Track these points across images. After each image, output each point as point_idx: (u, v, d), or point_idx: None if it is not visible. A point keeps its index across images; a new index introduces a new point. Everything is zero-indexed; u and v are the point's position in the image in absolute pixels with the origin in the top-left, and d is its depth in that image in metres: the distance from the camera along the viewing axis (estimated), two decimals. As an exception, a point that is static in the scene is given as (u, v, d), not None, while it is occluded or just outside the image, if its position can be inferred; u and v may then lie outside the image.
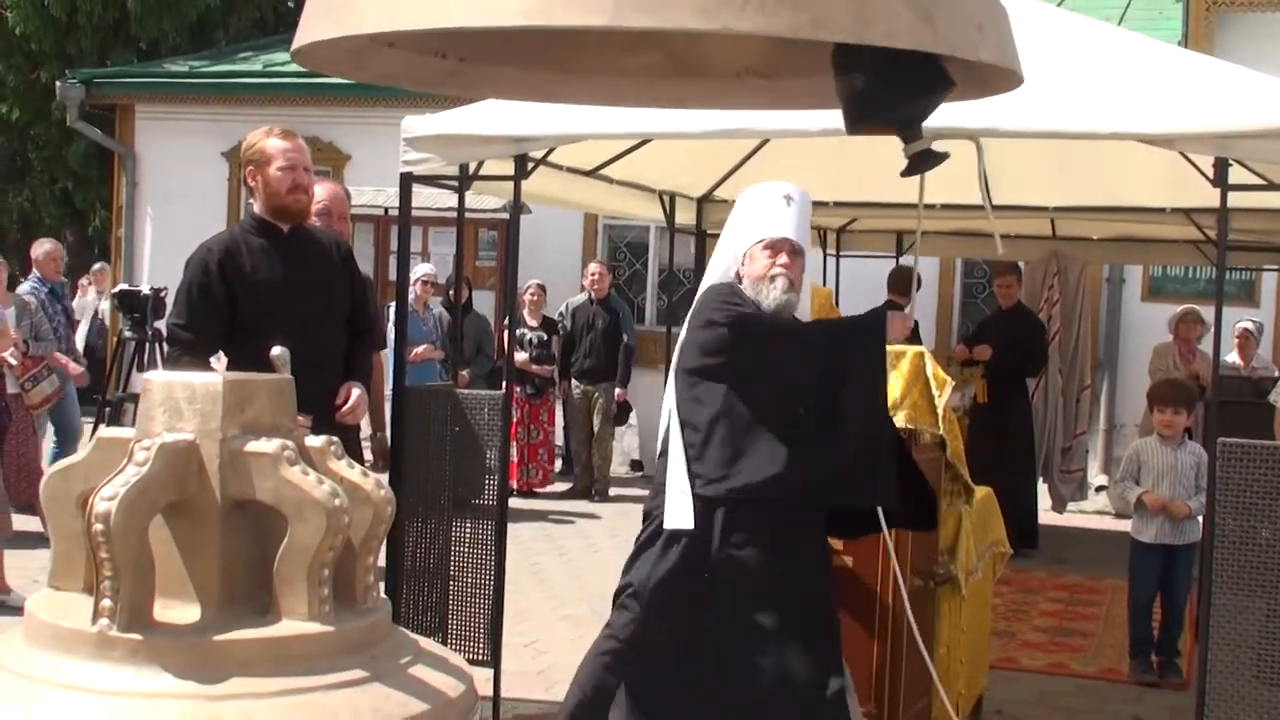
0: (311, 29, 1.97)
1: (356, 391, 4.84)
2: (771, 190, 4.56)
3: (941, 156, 2.85)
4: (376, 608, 2.53)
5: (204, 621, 2.38)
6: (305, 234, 5.00)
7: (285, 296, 4.82)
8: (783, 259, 4.39)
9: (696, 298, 4.61)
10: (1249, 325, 10.34)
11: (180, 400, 2.44)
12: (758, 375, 4.31)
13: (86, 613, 2.33)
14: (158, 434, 2.41)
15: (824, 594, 4.41)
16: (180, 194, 15.20)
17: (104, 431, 2.57)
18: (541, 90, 2.68)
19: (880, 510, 4.41)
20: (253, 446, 2.42)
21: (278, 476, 2.39)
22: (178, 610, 2.41)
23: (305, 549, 2.37)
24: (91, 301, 15.19)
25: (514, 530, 7.16)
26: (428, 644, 2.65)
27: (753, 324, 4.35)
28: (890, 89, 2.31)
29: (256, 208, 4.96)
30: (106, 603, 2.30)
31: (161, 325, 8.80)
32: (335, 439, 2.52)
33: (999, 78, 2.23)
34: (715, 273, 4.60)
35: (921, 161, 2.84)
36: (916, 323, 9.96)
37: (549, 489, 12.28)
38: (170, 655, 2.29)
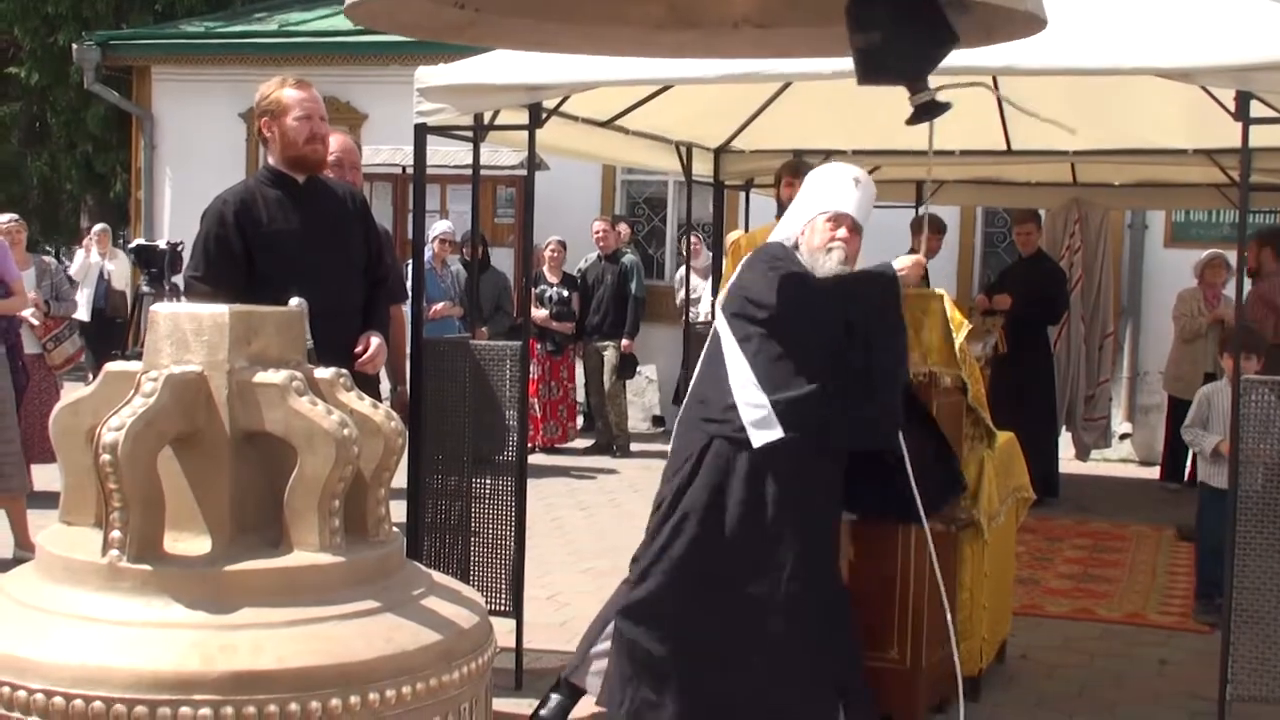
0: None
1: (376, 340, 4.82)
2: (842, 170, 4.81)
3: (945, 106, 2.91)
4: (389, 540, 2.53)
5: (214, 553, 2.38)
6: (320, 185, 4.98)
7: (302, 247, 4.79)
8: (842, 232, 4.59)
9: (747, 255, 4.83)
10: None
11: (187, 332, 2.43)
12: (792, 324, 4.49)
13: (97, 545, 2.33)
14: (165, 366, 2.40)
15: (832, 525, 4.65)
16: (198, 155, 15.18)
17: (112, 366, 2.56)
18: (551, 41, 2.70)
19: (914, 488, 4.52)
20: (261, 378, 2.41)
21: (286, 407, 2.38)
22: (188, 542, 2.41)
23: (315, 479, 2.37)
24: (95, 263, 15.16)
25: (535, 485, 7.15)
26: (441, 578, 2.65)
27: (789, 275, 4.54)
28: (903, 45, 2.36)
29: (271, 159, 4.93)
30: (116, 534, 2.30)
31: (179, 280, 8.79)
32: (344, 370, 2.50)
33: (1023, 21, 2.24)
34: (781, 234, 4.82)
35: (927, 111, 2.91)
36: (927, 270, 9.97)
37: (571, 445, 12.29)
38: (181, 586, 2.29)
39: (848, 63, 4.73)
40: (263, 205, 4.82)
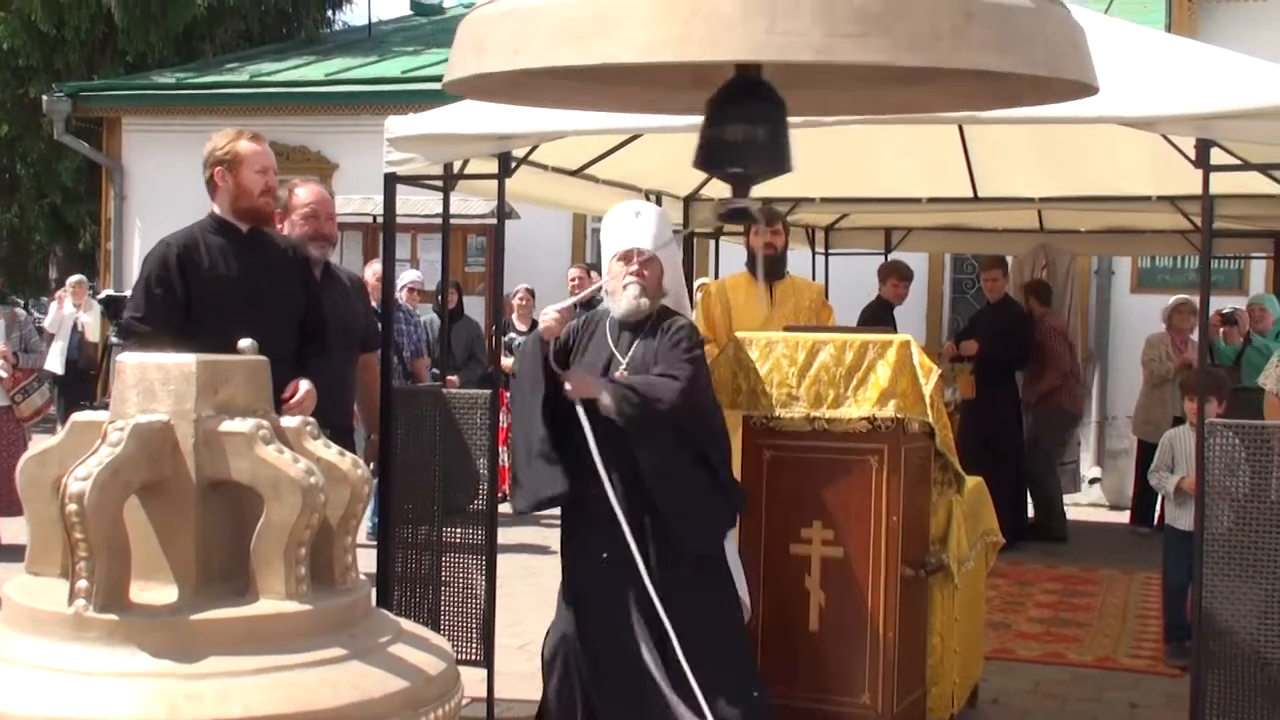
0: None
1: (305, 385, 4.83)
2: (622, 208, 4.93)
3: (753, 216, 2.99)
4: (356, 587, 2.53)
5: (181, 602, 2.37)
6: (263, 236, 5.03)
7: (239, 294, 4.83)
8: (633, 266, 4.65)
9: None
10: (1228, 310, 10.32)
11: (154, 382, 2.44)
12: None
13: (63, 596, 2.33)
14: (131, 415, 2.40)
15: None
16: (168, 206, 15.03)
17: (78, 416, 2.56)
18: (573, 99, 2.79)
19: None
20: (227, 426, 2.41)
21: (253, 456, 2.38)
22: (155, 591, 2.40)
23: (282, 527, 2.37)
24: (69, 314, 15.07)
25: (506, 533, 7.12)
26: (409, 625, 2.64)
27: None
28: (748, 155, 2.44)
29: (219, 208, 4.96)
30: (82, 584, 2.29)
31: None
32: (311, 419, 2.51)
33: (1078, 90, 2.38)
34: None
35: (737, 216, 2.97)
36: (894, 316, 9.99)
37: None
38: (147, 635, 2.28)
39: (815, 116, 4.82)
40: (205, 251, 4.87)
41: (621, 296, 4.64)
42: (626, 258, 4.66)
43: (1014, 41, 2.04)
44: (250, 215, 4.93)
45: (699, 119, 5.16)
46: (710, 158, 2.54)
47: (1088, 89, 2.29)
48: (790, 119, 4.95)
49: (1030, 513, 10.70)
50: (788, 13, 1.92)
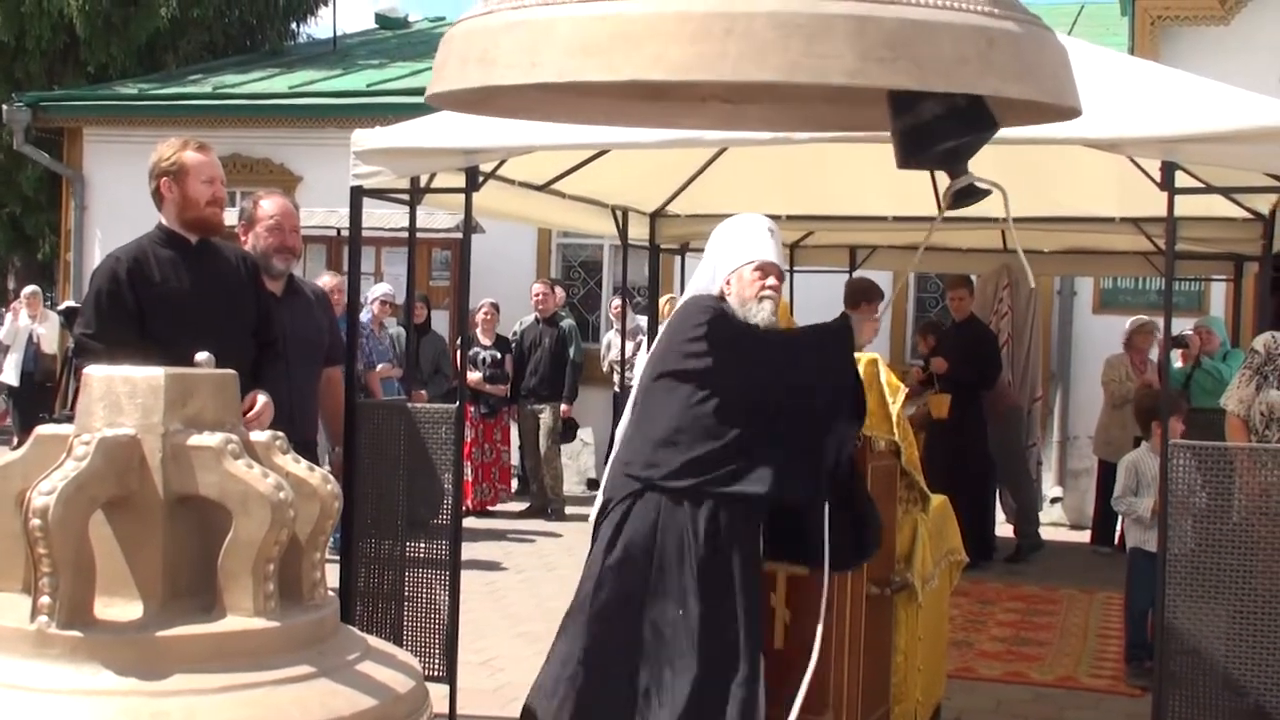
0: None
1: (262, 399, 4.78)
2: (757, 220, 4.87)
3: (985, 192, 2.86)
4: (324, 604, 2.50)
5: (146, 618, 2.34)
6: (212, 247, 4.97)
7: (192, 307, 4.78)
8: (771, 280, 4.64)
9: (677, 308, 4.83)
10: (1188, 331, 10.40)
11: (121, 395, 2.41)
12: (732, 377, 4.52)
13: (25, 611, 2.29)
14: (97, 429, 2.37)
15: (751, 587, 4.55)
16: (129, 217, 14.86)
17: (43, 429, 2.52)
18: (537, 110, 2.75)
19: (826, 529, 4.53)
20: (195, 440, 2.39)
21: (221, 470, 2.35)
22: (120, 607, 2.37)
23: (250, 543, 2.34)
24: (25, 326, 14.89)
25: (470, 549, 7.10)
26: (377, 642, 2.62)
27: (731, 327, 4.59)
28: (945, 127, 2.37)
29: (166, 219, 4.90)
30: (45, 600, 2.26)
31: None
32: (280, 433, 2.48)
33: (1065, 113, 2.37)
34: (700, 286, 4.83)
35: (966, 195, 2.86)
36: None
37: (505, 508, 12.22)
38: (111, 652, 2.25)
39: (785, 133, 4.81)
40: (155, 264, 4.80)
41: (757, 309, 4.60)
42: (765, 270, 4.63)
43: (1028, 69, 2.06)
44: (198, 226, 4.87)
45: (670, 133, 5.16)
46: (912, 146, 2.46)
47: (1076, 112, 2.31)
48: (757, 136, 4.97)
49: (1010, 526, 10.78)
50: (821, 34, 1.91)
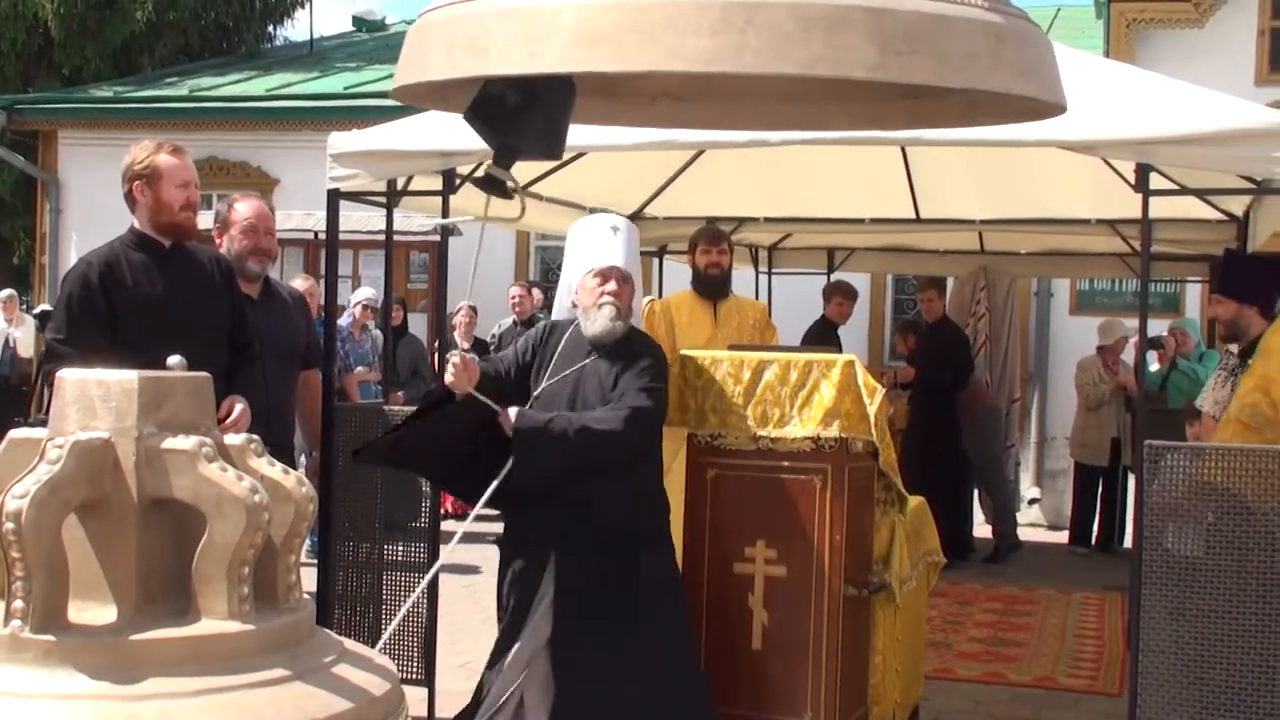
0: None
1: (239, 406, 4.76)
2: (599, 221, 4.83)
3: (507, 191, 2.94)
4: (299, 607, 2.49)
5: (120, 622, 2.33)
6: (185, 251, 4.93)
7: (166, 311, 4.74)
8: (610, 285, 4.57)
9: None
10: (1163, 333, 10.46)
11: (94, 398, 2.40)
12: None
13: (-2, 615, 2.28)
14: (71, 432, 2.36)
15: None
16: (104, 220, 14.80)
17: (16, 432, 2.51)
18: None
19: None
20: (170, 444, 2.37)
21: (195, 474, 2.34)
22: (94, 611, 2.36)
23: (225, 546, 2.33)
24: (0, 330, 14.86)
25: (448, 551, 7.07)
26: (352, 645, 2.61)
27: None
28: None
29: (139, 222, 4.86)
30: (18, 604, 2.25)
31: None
32: (255, 436, 2.47)
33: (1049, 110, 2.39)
34: (558, 306, 4.88)
35: (489, 184, 2.91)
36: (839, 335, 10.04)
37: (484, 510, 12.19)
38: (85, 656, 2.23)
39: (761, 133, 4.81)
40: (127, 268, 4.76)
41: (596, 317, 4.55)
42: (604, 276, 4.57)
43: (1032, 66, 2.04)
44: (171, 231, 4.83)
45: (647, 135, 5.14)
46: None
47: (1064, 109, 2.30)
48: (734, 138, 4.95)
49: (989, 526, 10.81)
50: (840, 26, 1.85)
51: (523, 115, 2.39)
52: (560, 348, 4.70)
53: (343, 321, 10.32)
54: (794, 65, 1.87)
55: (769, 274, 11.01)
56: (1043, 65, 2.15)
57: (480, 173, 2.78)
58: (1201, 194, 6.08)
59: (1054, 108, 2.24)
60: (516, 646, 4.55)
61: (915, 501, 5.71)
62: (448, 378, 4.37)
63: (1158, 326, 10.17)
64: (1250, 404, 5.20)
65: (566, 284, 4.74)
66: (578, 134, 5.02)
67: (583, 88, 2.62)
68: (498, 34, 1.97)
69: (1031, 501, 12.73)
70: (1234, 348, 5.95)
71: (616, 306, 4.55)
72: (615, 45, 1.88)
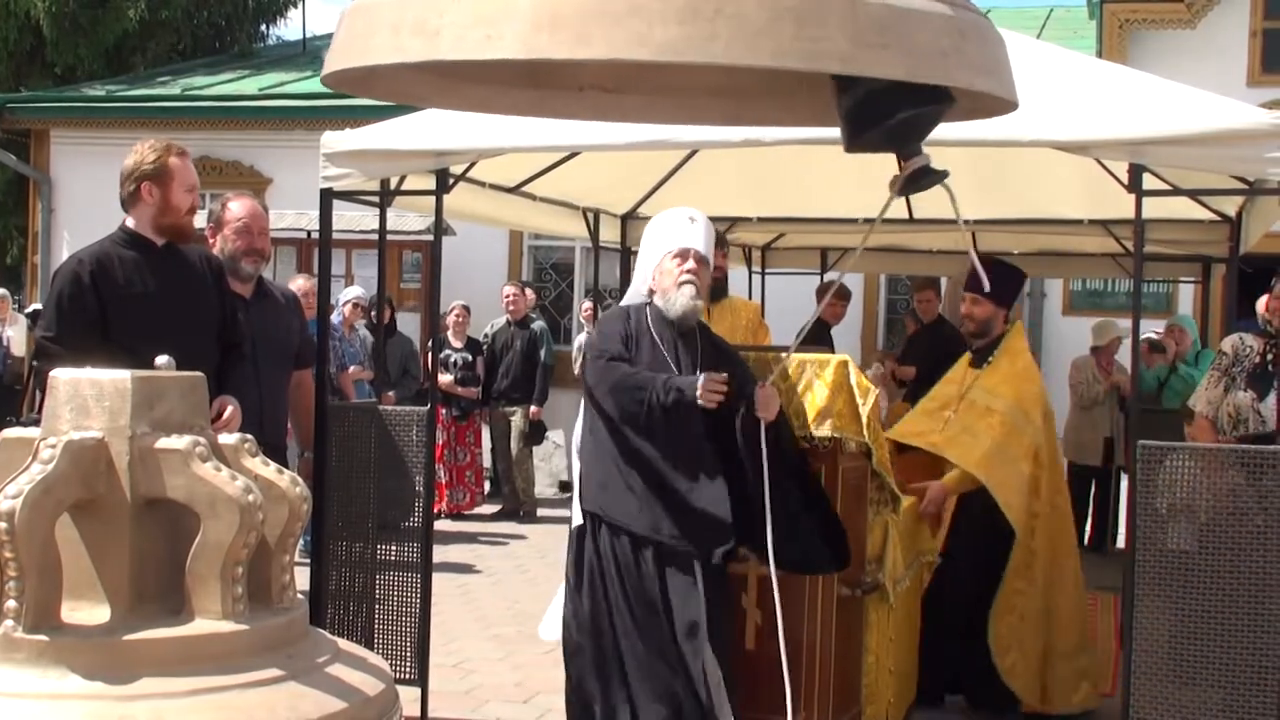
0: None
1: (231, 407, 4.75)
2: (676, 212, 4.98)
3: (940, 174, 2.64)
4: (293, 607, 2.49)
5: (113, 622, 2.33)
6: (176, 250, 4.92)
7: (157, 310, 4.73)
8: (689, 264, 4.73)
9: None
10: (1153, 335, 10.47)
11: (88, 398, 2.39)
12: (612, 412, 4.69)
13: (-9, 616, 2.28)
14: (64, 432, 2.36)
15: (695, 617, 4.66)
16: (97, 219, 14.82)
17: (9, 432, 2.51)
18: (410, 93, 2.60)
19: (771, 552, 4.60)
20: (163, 443, 2.37)
21: (189, 473, 2.34)
22: (87, 611, 2.36)
23: (218, 546, 2.33)
24: None
25: (441, 551, 7.09)
26: (346, 645, 2.61)
27: (607, 369, 4.70)
28: (891, 102, 2.21)
29: (135, 221, 4.84)
30: (11, 604, 2.24)
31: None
32: (249, 435, 2.47)
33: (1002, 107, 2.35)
34: (631, 293, 4.97)
35: (918, 178, 2.60)
36: (831, 335, 10.04)
37: (477, 511, 12.20)
38: (78, 656, 2.23)
39: (754, 132, 4.80)
40: (119, 266, 4.74)
41: (676, 297, 4.69)
42: (683, 255, 4.71)
43: (992, 63, 2.04)
44: (172, 232, 4.82)
45: (641, 135, 5.13)
46: (858, 124, 2.27)
47: (1016, 107, 2.30)
48: (728, 135, 4.93)
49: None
50: (812, 17, 1.81)
51: (887, 97, 2.21)
52: (639, 335, 4.80)
53: (333, 320, 10.31)
54: (765, 57, 1.81)
55: (763, 274, 11.02)
56: (999, 62, 2.14)
57: (905, 171, 2.54)
58: (1194, 194, 6.09)
59: (1009, 105, 2.23)
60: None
61: (909, 502, 5.72)
62: (765, 413, 4.59)
63: (1150, 327, 10.17)
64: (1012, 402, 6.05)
65: (643, 273, 4.87)
66: (572, 134, 5.06)
67: (507, 77, 2.53)
68: (450, 15, 1.86)
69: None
70: (1228, 347, 5.95)
71: (696, 285, 4.71)
72: (577, 30, 1.79)
